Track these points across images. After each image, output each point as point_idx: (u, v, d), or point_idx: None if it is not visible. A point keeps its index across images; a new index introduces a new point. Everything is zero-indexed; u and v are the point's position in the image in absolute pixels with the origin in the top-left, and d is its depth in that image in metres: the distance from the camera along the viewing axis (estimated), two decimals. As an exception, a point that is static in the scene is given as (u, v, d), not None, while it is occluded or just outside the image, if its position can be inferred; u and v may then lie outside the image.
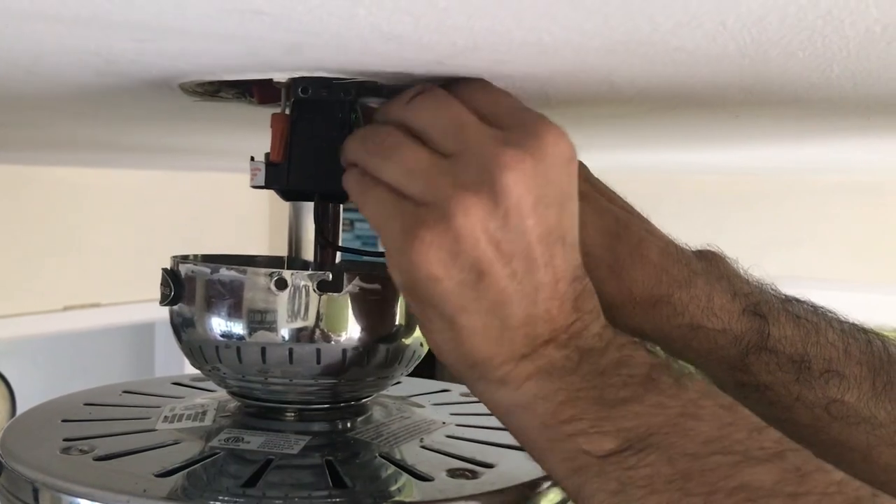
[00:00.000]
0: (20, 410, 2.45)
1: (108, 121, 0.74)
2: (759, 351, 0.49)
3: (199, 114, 0.62)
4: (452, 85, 0.41)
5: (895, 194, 1.98)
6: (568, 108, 0.56)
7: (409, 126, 0.40)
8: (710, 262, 0.51)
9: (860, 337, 0.51)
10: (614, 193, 0.51)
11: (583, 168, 0.49)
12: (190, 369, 0.55)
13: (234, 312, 0.45)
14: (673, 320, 0.49)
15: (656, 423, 0.36)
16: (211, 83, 0.47)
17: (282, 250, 0.58)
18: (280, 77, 0.45)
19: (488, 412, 0.56)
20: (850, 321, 0.52)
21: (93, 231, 2.25)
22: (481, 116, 0.39)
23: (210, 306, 0.46)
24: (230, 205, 2.53)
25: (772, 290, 0.51)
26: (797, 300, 0.52)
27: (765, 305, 0.49)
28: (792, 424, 0.50)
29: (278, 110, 0.48)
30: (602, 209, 0.49)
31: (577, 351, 0.38)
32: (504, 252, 0.37)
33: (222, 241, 2.40)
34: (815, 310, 0.51)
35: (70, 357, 3.22)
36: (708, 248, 0.52)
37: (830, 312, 0.52)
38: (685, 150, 1.10)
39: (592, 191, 0.50)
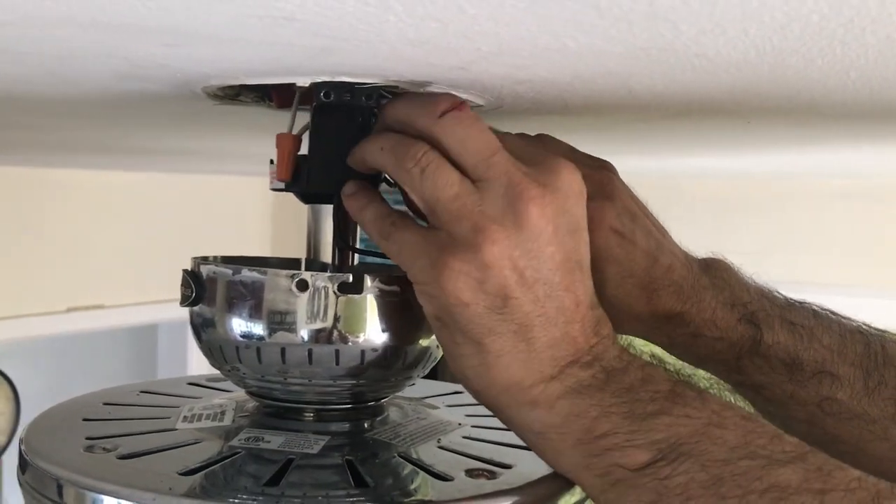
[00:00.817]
0: (23, 412, 2.45)
1: (127, 124, 0.75)
2: (752, 356, 0.52)
3: (216, 117, 0.63)
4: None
5: (900, 199, 1.98)
6: (584, 113, 0.57)
7: (441, 143, 0.41)
8: (715, 273, 0.53)
9: (858, 339, 0.53)
10: (649, 210, 0.54)
11: (629, 190, 0.52)
12: (194, 371, 0.56)
13: (255, 313, 0.46)
14: (679, 330, 0.52)
15: (686, 433, 0.38)
16: (232, 87, 0.48)
17: (284, 252, 0.59)
18: (303, 82, 0.45)
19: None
20: (852, 323, 0.55)
21: (96, 233, 2.25)
22: (506, 147, 0.42)
23: (231, 307, 0.46)
24: (233, 207, 2.53)
25: (772, 296, 0.54)
26: (797, 305, 0.54)
27: (761, 313, 0.52)
28: (787, 420, 0.54)
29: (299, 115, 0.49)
30: (647, 231, 0.51)
31: (602, 370, 0.40)
32: (527, 279, 0.39)
33: (225, 244, 2.41)
34: (815, 314, 0.54)
35: (73, 358, 3.22)
36: (713, 255, 0.55)
37: (832, 315, 0.55)
38: (694, 155, 1.11)
39: (640, 212, 0.52)
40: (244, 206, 2.56)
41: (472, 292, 0.39)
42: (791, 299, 0.54)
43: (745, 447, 0.38)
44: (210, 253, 0.55)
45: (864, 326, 0.54)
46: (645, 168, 1.47)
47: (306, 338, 0.46)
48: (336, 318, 0.46)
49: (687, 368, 0.43)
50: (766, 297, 0.53)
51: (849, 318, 0.55)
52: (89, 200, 2.22)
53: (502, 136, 0.44)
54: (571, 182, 0.42)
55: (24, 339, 2.33)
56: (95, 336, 2.95)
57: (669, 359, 0.45)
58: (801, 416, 0.53)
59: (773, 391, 0.52)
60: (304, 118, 0.49)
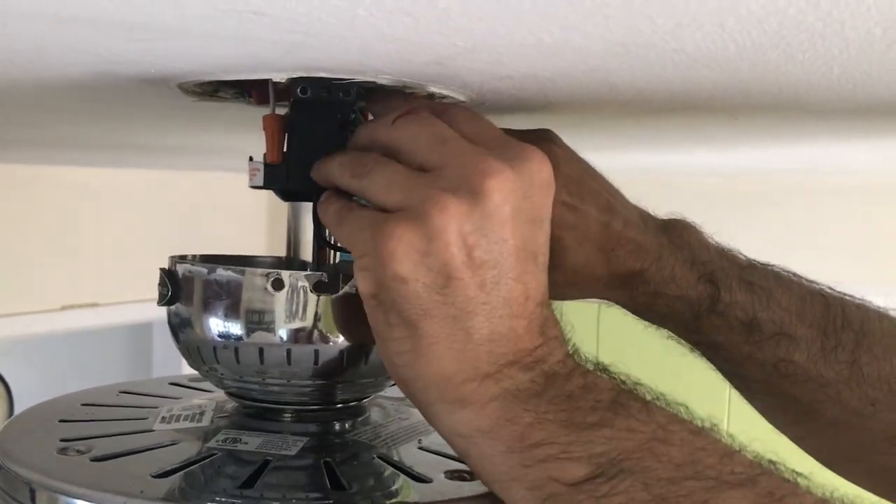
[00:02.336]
0: (18, 410, 2.45)
1: (108, 120, 0.74)
2: (710, 315, 0.51)
3: (197, 113, 0.62)
4: (440, 110, 0.41)
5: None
6: (567, 110, 0.56)
7: (390, 146, 0.40)
8: (675, 233, 0.53)
9: (818, 301, 0.53)
10: (597, 172, 0.52)
11: (572, 155, 0.51)
12: (188, 370, 0.55)
13: (232, 313, 0.45)
14: (640, 289, 0.52)
15: (628, 448, 0.35)
16: (209, 83, 0.47)
17: (279, 250, 0.58)
18: (279, 77, 0.45)
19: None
20: (814, 286, 0.54)
21: (91, 231, 2.25)
22: (465, 136, 0.40)
23: (207, 306, 0.46)
24: (228, 205, 2.52)
25: (732, 256, 0.54)
26: (758, 266, 0.54)
27: (720, 273, 0.52)
28: (744, 380, 0.54)
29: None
30: (595, 194, 0.50)
31: (542, 374, 0.37)
32: (475, 259, 0.36)
33: (220, 241, 2.40)
34: (776, 275, 0.54)
35: (68, 357, 3.21)
36: (673, 216, 0.55)
37: (794, 277, 0.54)
38: (684, 151, 1.10)
39: (586, 177, 0.51)
40: (239, 203, 2.55)
41: (413, 265, 0.36)
42: (753, 260, 0.54)
43: (692, 465, 0.35)
44: (205, 251, 0.54)
45: (826, 289, 0.54)
46: (636, 165, 1.47)
47: (284, 337, 0.45)
48: (316, 318, 0.45)
49: (631, 378, 0.40)
50: (726, 258, 0.53)
51: (811, 281, 0.54)
52: (84, 198, 2.21)
53: (475, 124, 0.41)
54: (540, 170, 0.39)
55: (18, 337, 2.32)
56: (90, 334, 2.94)
57: (617, 368, 0.42)
58: (758, 376, 0.53)
59: (731, 351, 0.52)
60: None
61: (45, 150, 1.47)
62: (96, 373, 3.06)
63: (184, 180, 2.40)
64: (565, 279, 0.49)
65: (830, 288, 0.54)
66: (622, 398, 0.37)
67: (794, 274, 0.54)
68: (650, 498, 0.34)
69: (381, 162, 0.39)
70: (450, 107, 0.42)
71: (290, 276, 0.44)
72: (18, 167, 2.05)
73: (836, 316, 0.52)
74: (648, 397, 0.39)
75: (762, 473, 0.36)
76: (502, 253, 0.37)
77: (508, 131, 0.50)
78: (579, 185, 0.50)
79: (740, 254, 0.54)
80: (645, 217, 0.53)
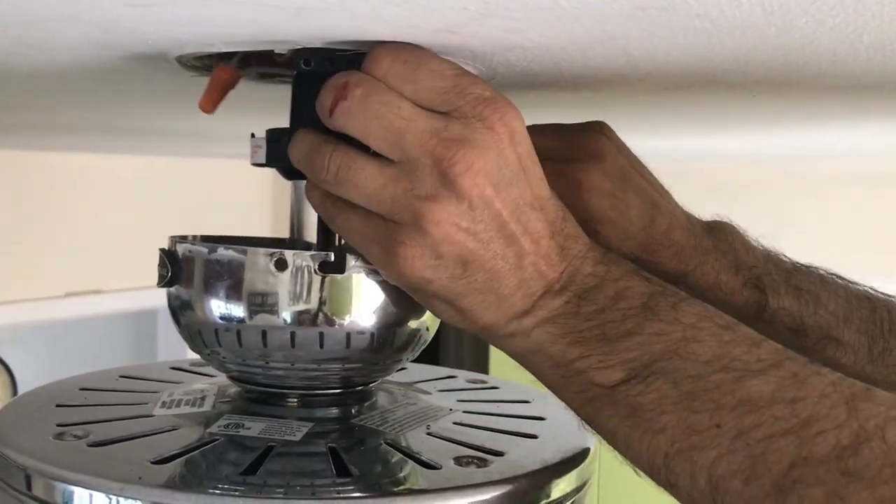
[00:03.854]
0: (21, 397, 2.44)
1: (106, 100, 0.72)
2: (757, 321, 0.51)
3: (196, 91, 0.61)
4: (377, 62, 0.39)
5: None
6: (581, 85, 0.54)
7: (349, 134, 0.40)
8: (719, 236, 0.53)
9: (864, 304, 0.53)
10: (645, 168, 0.52)
11: (622, 149, 0.52)
12: (193, 357, 0.54)
13: (234, 294, 0.44)
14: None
15: (658, 351, 0.39)
16: (209, 56, 0.46)
17: (284, 235, 0.57)
18: (281, 49, 0.43)
19: (496, 399, 0.56)
20: (859, 288, 0.54)
21: (94, 217, 2.23)
22: (412, 100, 0.39)
23: (209, 288, 0.44)
24: (233, 191, 2.51)
25: (778, 260, 0.53)
26: (804, 269, 0.54)
27: (766, 278, 0.52)
28: None
29: (284, 87, 0.47)
30: (641, 191, 0.51)
31: (574, 295, 0.40)
32: (481, 239, 0.39)
33: (224, 229, 2.38)
34: (822, 279, 0.54)
35: (71, 344, 3.21)
36: (718, 218, 0.54)
37: (840, 279, 0.54)
38: (697, 134, 1.08)
39: (634, 172, 0.51)
40: (244, 190, 2.53)
41: (432, 270, 0.39)
42: (798, 263, 0.54)
43: (720, 360, 0.38)
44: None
45: (871, 291, 0.54)
46: (646, 150, 1.45)
47: (288, 320, 0.44)
48: (320, 300, 0.44)
49: (657, 280, 0.42)
50: (772, 262, 0.53)
51: (856, 283, 0.54)
52: (87, 185, 2.20)
53: (422, 80, 0.39)
54: (503, 122, 0.39)
55: (21, 324, 2.31)
56: (94, 321, 2.93)
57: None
58: None
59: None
60: (285, 92, 0.46)
61: (47, 137, 1.46)
62: (100, 360, 3.05)
63: (188, 167, 2.38)
64: None
65: (874, 289, 0.54)
66: (652, 301, 0.40)
67: (839, 276, 0.54)
68: (679, 393, 0.37)
69: (347, 166, 0.40)
70: (378, 58, 0.39)
71: (293, 255, 0.43)
72: (21, 154, 2.04)
73: (883, 319, 0.52)
74: (680, 296, 0.41)
75: (787, 358, 0.38)
76: (500, 224, 0.40)
77: (560, 126, 0.50)
78: (624, 178, 0.50)
79: (784, 256, 0.54)
80: (691, 219, 0.52)
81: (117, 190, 2.27)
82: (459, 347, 2.43)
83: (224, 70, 0.44)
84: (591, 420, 0.40)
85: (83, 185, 2.20)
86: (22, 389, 2.50)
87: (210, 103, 0.44)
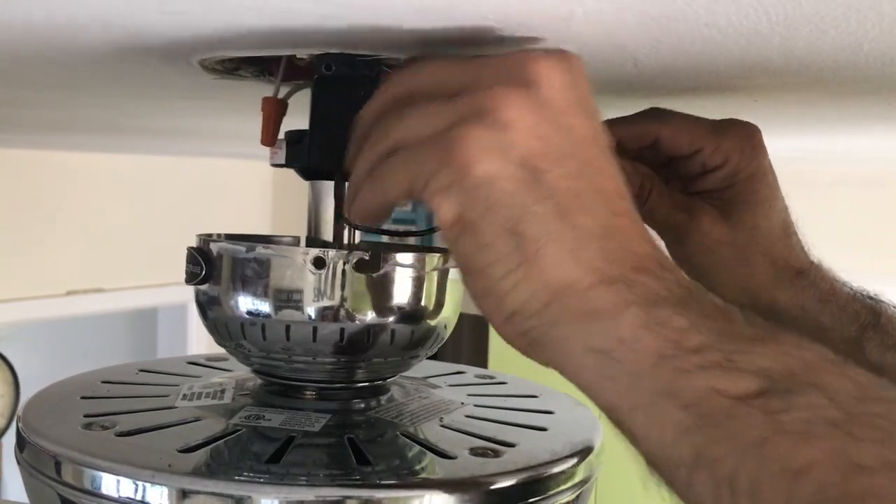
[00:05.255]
0: (23, 395, 2.45)
1: (124, 99, 0.74)
2: (874, 329, 0.51)
3: (214, 92, 0.62)
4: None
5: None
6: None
7: (413, 94, 0.36)
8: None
9: None
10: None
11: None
12: (191, 353, 0.55)
13: (267, 291, 0.45)
14: (808, 291, 0.52)
15: (797, 365, 0.29)
16: (231, 60, 0.47)
17: (284, 234, 0.59)
18: (303, 54, 0.44)
19: (505, 393, 0.57)
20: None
21: (96, 216, 2.25)
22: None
23: (245, 285, 0.45)
24: (233, 190, 2.52)
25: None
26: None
27: (869, 291, 0.53)
28: None
29: (298, 91, 0.48)
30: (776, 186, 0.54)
31: (677, 283, 0.31)
32: (554, 149, 0.32)
33: (225, 227, 2.39)
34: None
35: (73, 342, 3.22)
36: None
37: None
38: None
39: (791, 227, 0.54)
40: (244, 189, 2.55)
41: (499, 160, 0.31)
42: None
43: (875, 388, 0.28)
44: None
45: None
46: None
47: (313, 315, 0.45)
48: (342, 296, 0.45)
49: None
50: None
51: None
52: (89, 184, 2.21)
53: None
54: (576, 62, 0.35)
55: (23, 322, 2.32)
56: (95, 319, 2.95)
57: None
58: None
59: (891, 377, 0.47)
60: (304, 94, 0.48)
61: (49, 136, 1.47)
62: (101, 358, 3.06)
63: (189, 166, 2.39)
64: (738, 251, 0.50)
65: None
66: (774, 326, 0.31)
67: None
68: (839, 414, 0.27)
69: (409, 105, 0.35)
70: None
71: (332, 254, 0.44)
72: (25, 152, 2.05)
73: None
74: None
75: None
76: (577, 142, 0.33)
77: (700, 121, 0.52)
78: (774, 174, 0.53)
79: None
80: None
81: (119, 189, 2.28)
82: (458, 346, 2.45)
83: (270, 102, 0.46)
84: (695, 459, 0.28)
85: (85, 184, 2.21)
86: (24, 386, 2.51)
87: (270, 137, 0.46)
